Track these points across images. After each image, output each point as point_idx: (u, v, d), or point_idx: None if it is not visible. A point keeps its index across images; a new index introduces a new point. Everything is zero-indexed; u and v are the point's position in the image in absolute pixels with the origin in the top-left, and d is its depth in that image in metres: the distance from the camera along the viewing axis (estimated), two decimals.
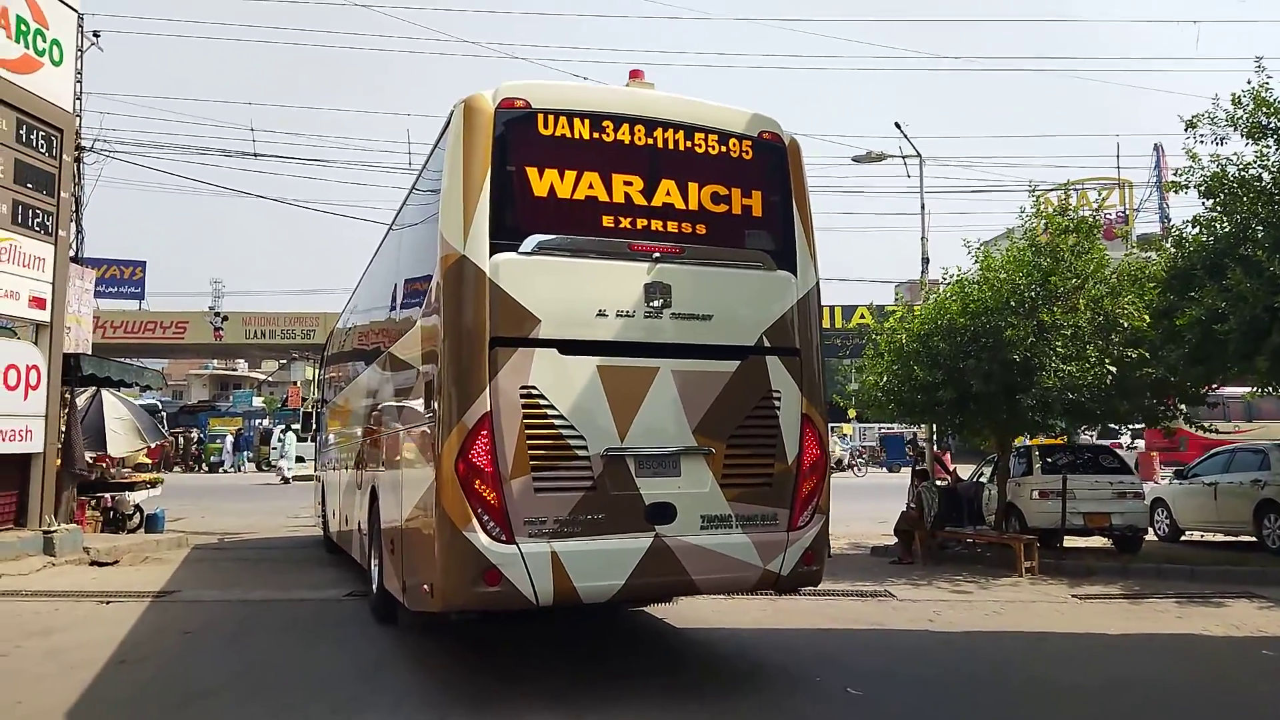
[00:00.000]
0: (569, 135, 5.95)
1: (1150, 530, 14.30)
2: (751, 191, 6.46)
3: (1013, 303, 11.80)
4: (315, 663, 6.86)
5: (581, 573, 5.61)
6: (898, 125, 19.49)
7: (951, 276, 13.39)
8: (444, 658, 7.07)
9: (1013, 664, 7.17)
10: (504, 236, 5.72)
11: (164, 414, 42.69)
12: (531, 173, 5.86)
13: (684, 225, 6.18)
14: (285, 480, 29.48)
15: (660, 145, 6.18)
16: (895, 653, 7.40)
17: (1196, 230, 11.85)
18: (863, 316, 26.22)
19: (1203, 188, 11.49)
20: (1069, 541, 13.19)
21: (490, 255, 5.66)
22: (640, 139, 6.13)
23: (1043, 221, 13.12)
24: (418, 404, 6.46)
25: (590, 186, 5.96)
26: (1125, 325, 11.74)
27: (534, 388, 5.63)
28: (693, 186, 6.23)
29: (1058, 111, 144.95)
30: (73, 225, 14.69)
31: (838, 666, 6.81)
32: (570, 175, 5.92)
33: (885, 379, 13.16)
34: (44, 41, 12.49)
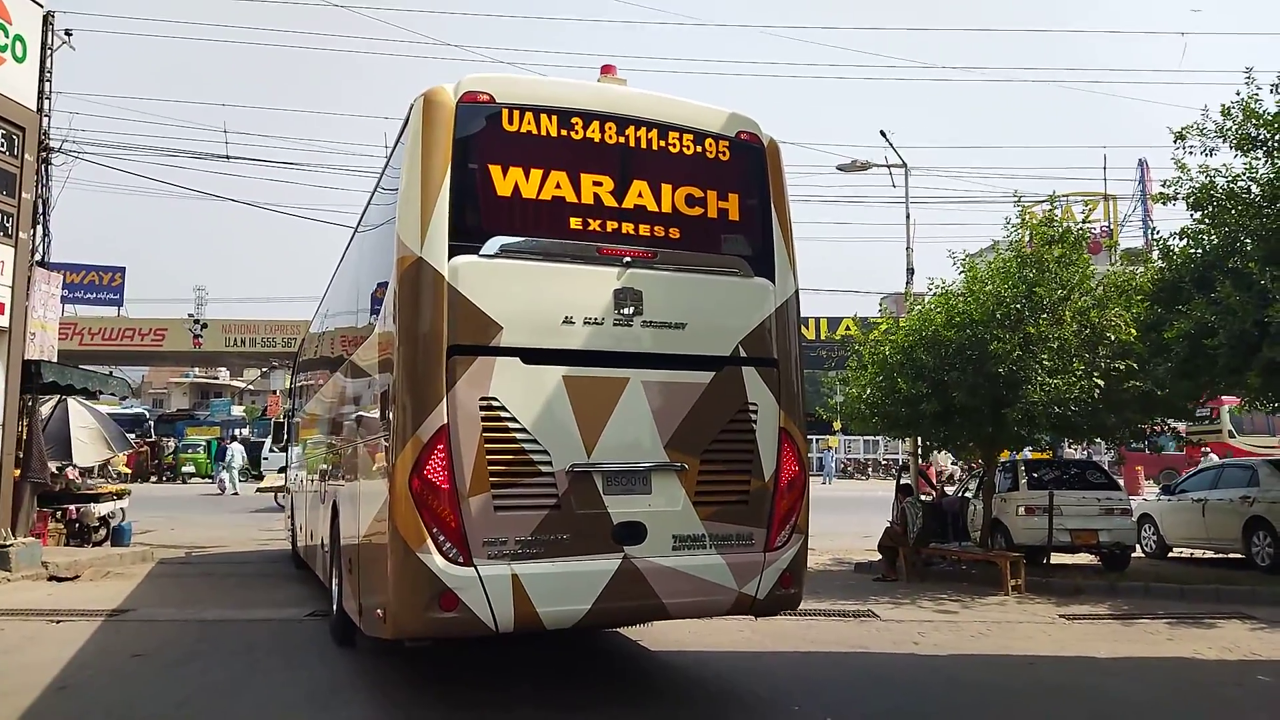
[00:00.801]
0: (535, 132, 5.64)
1: (1137, 547, 14.08)
2: (728, 194, 6.17)
3: (998, 315, 11.56)
4: (267, 690, 6.48)
5: (544, 597, 5.27)
6: (883, 133, 19.35)
7: (936, 288, 13.17)
8: (403, 685, 6.69)
9: (1000, 692, 6.86)
10: (464, 238, 5.40)
11: (151, 423, 42.24)
12: (495, 171, 5.54)
13: (656, 228, 5.89)
14: (236, 492, 29.44)
15: (632, 144, 5.88)
16: (878, 679, 7.07)
17: (1184, 242, 11.67)
18: (848, 329, 25.99)
19: (1191, 199, 11.32)
20: (1055, 558, 12.94)
21: (449, 258, 5.34)
22: (611, 137, 5.82)
23: (1028, 233, 12.92)
24: (374, 415, 6.13)
25: (557, 186, 5.65)
26: (1112, 338, 11.52)
27: (494, 399, 5.32)
28: (666, 188, 5.93)
29: (1043, 122, 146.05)
30: (39, 228, 14.27)
31: (818, 694, 6.48)
32: (536, 174, 5.61)
33: (869, 392, 12.91)
34: (6, 37, 12.12)
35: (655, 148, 5.95)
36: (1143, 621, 9.53)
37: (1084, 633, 9.02)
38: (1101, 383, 11.10)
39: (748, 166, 6.30)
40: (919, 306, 13.74)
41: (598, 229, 5.72)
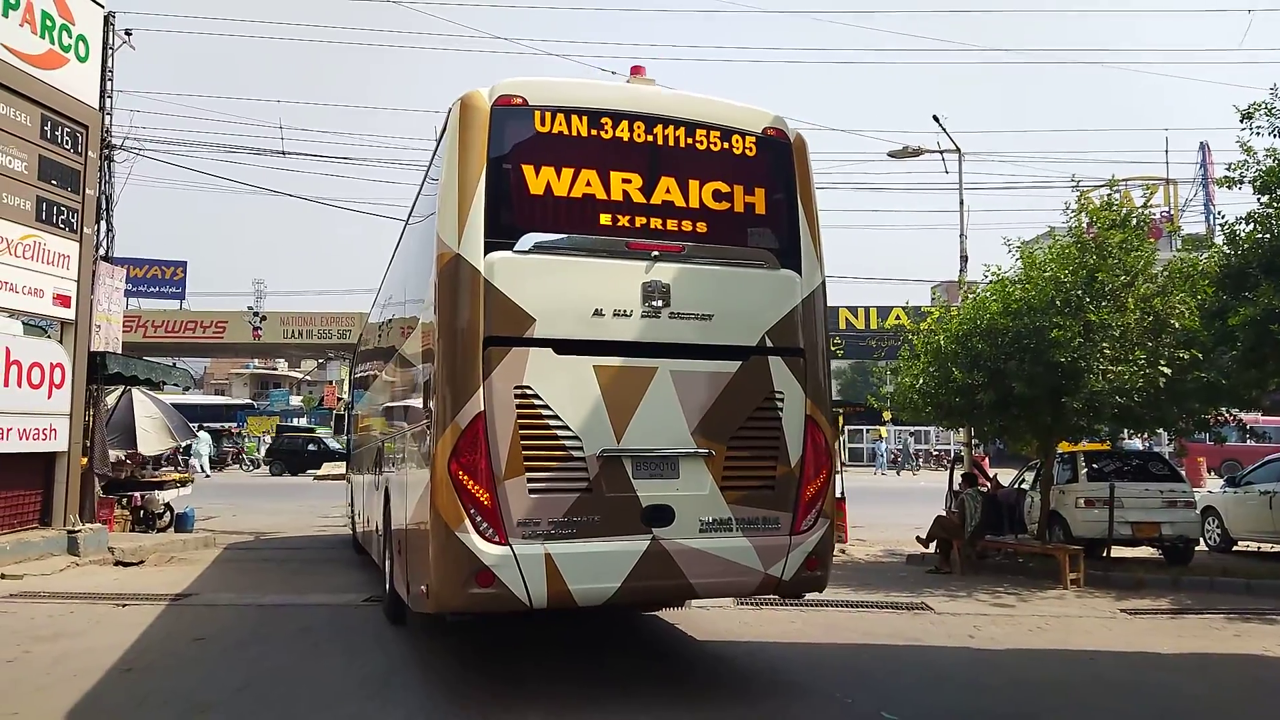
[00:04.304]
0: (566, 133, 5.83)
1: (1201, 540, 13.69)
2: (754, 189, 6.28)
3: (1058, 301, 11.28)
4: (324, 674, 6.62)
5: (576, 575, 5.49)
6: (936, 119, 18.98)
7: (991, 275, 12.91)
8: (455, 666, 6.84)
9: (1060, 689, 6.68)
10: (500, 235, 5.63)
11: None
12: (528, 170, 5.74)
13: (684, 223, 6.03)
14: (207, 475, 31.48)
15: (660, 142, 6.04)
16: (934, 673, 6.97)
17: (1251, 227, 11.27)
18: (898, 318, 25.63)
19: (1258, 183, 10.95)
20: (1115, 551, 12.63)
21: (485, 254, 5.57)
22: (640, 136, 5.99)
23: (1087, 218, 12.57)
24: (417, 404, 6.41)
25: (588, 184, 5.84)
26: (1177, 326, 11.18)
27: (529, 388, 5.53)
28: (694, 184, 6.07)
29: (1102, 105, 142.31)
30: (102, 223, 14.69)
31: (872, 688, 6.41)
32: (568, 173, 5.79)
33: (922, 381, 12.72)
34: (69, 37, 12.46)
35: (683, 145, 6.09)
36: (1207, 616, 9.28)
37: (1146, 628, 8.80)
38: (1168, 370, 10.78)
39: (774, 161, 6.38)
40: (973, 295, 13.48)
41: (627, 225, 5.90)
